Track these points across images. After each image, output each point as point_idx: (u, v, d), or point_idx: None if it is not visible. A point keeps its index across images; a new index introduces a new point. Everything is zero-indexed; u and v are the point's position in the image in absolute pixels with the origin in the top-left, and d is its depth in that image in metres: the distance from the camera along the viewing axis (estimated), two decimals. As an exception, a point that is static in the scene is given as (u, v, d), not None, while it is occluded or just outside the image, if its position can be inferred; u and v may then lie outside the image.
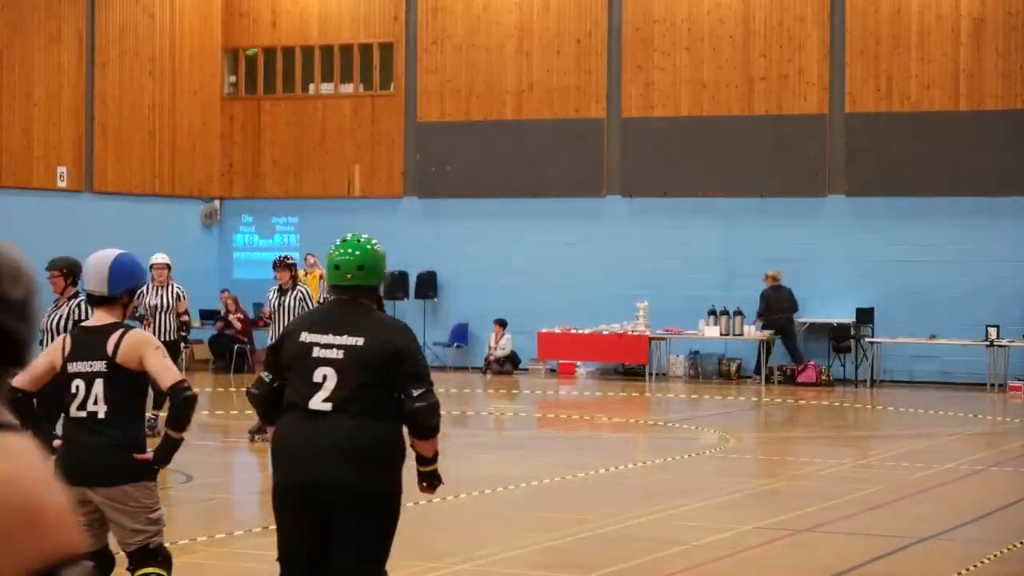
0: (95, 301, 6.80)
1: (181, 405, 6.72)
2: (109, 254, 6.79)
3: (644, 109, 26.86)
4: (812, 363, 25.37)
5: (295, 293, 15.74)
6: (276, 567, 6.33)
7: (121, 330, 6.71)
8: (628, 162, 26.98)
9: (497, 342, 26.56)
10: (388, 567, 6.28)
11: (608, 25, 27.04)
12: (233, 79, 29.72)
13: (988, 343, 24.27)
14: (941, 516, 12.04)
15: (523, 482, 13.26)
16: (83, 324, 6.99)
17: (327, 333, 6.35)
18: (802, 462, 15.24)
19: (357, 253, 6.61)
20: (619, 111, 27.00)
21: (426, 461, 6.43)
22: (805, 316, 25.74)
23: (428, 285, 27.69)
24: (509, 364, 26.63)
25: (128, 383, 6.69)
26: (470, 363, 27.40)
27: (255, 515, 11.48)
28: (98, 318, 6.79)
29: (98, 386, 6.65)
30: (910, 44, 25.61)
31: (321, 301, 16.54)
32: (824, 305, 25.67)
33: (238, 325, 26.73)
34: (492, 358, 26.69)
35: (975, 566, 9.86)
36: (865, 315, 25.37)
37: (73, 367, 6.70)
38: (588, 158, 27.09)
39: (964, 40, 25.29)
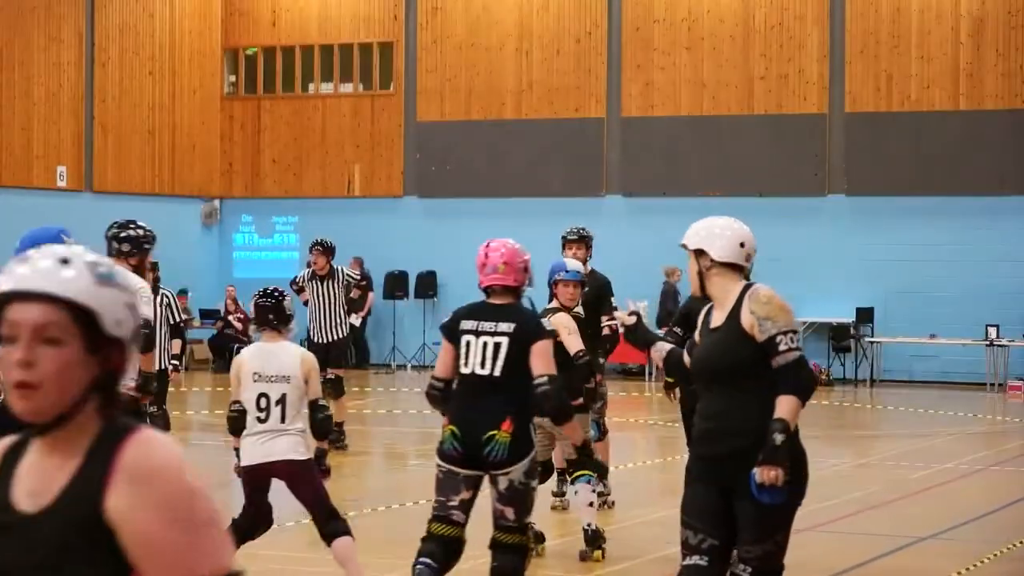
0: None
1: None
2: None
3: (644, 109, 26.86)
4: (812, 363, 25.36)
5: (159, 299, 13.00)
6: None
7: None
8: (628, 162, 26.98)
9: (497, 342, 26.56)
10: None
11: (608, 25, 27.04)
12: (233, 79, 29.72)
13: (988, 343, 24.28)
14: (941, 516, 12.04)
15: (523, 482, 13.22)
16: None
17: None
18: (802, 462, 15.22)
19: None
20: (619, 111, 27.00)
21: None
22: (805, 316, 25.73)
23: (428, 285, 27.68)
24: (509, 364, 26.63)
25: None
26: (470, 363, 27.38)
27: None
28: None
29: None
30: (910, 44, 25.61)
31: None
32: (824, 304, 25.65)
33: (238, 325, 26.74)
34: (492, 358, 26.65)
35: (975, 566, 9.86)
36: (865, 315, 25.38)
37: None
38: (588, 158, 27.08)
39: (964, 40, 25.29)
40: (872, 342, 25.33)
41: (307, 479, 8.03)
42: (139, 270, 9.11)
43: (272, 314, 8.15)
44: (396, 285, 27.50)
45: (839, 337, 25.50)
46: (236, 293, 27.07)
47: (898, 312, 25.38)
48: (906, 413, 21.36)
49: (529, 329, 7.43)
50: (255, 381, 8.08)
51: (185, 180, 28.52)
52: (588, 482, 9.56)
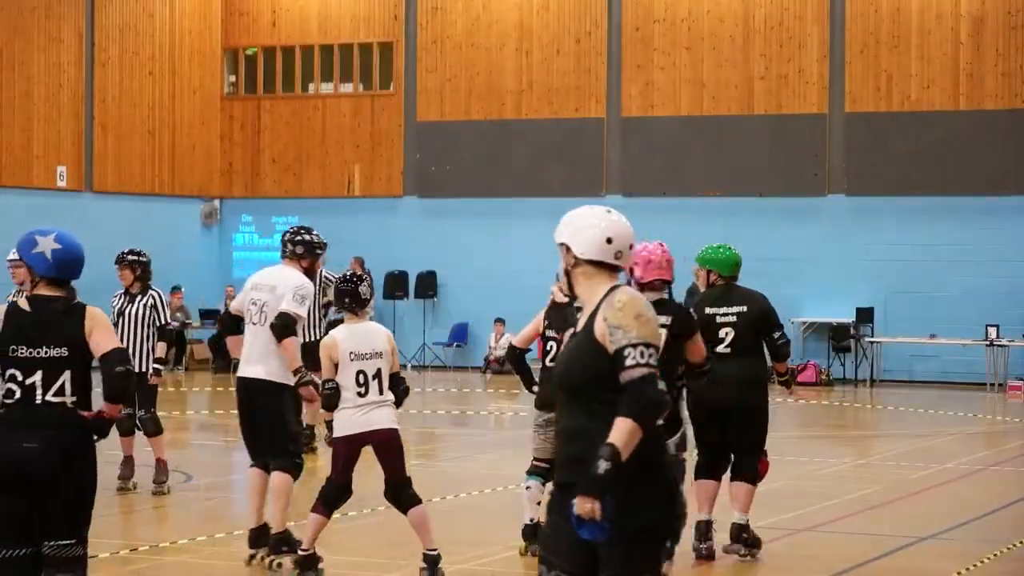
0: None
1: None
2: None
3: (644, 109, 26.86)
4: (812, 362, 25.39)
5: (145, 299, 12.68)
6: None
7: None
8: (628, 162, 26.98)
9: (497, 341, 26.56)
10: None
11: (608, 24, 27.04)
12: (233, 79, 29.72)
13: (988, 343, 24.28)
14: (941, 516, 12.04)
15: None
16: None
17: (722, 306, 9.74)
18: (802, 462, 15.24)
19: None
20: (619, 111, 27.00)
21: (784, 375, 10.41)
22: (805, 316, 25.74)
23: (428, 285, 27.69)
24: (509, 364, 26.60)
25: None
26: (470, 363, 27.41)
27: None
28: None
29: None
30: (910, 44, 25.61)
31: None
32: (824, 305, 25.66)
33: (238, 325, 26.71)
34: (492, 357, 26.68)
35: (975, 566, 9.86)
36: (865, 315, 25.38)
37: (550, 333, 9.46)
38: (588, 158, 27.08)
39: (964, 40, 25.30)
40: (872, 342, 25.32)
41: (397, 447, 8.76)
42: (310, 272, 9.96)
43: (348, 298, 8.85)
44: (396, 285, 27.49)
45: (839, 337, 25.50)
46: (235, 293, 27.06)
47: (898, 312, 25.38)
48: (906, 413, 21.36)
49: (685, 323, 8.49)
50: (352, 360, 8.70)
51: (185, 180, 28.52)
52: None
